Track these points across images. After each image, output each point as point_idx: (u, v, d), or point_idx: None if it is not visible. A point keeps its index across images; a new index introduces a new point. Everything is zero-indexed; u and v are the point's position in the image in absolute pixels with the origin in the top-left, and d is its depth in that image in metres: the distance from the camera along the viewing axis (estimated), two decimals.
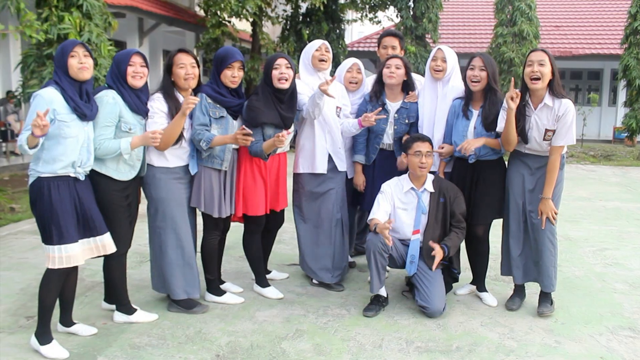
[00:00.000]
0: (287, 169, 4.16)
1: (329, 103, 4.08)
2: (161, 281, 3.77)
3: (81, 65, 3.07)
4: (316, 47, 4.13)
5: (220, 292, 3.99)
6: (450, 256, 3.83)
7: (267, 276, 4.24)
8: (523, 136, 3.70)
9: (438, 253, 3.70)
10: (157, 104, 3.53)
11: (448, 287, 3.99)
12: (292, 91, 3.91)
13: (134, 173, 3.47)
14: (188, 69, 3.59)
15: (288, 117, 3.90)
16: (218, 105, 3.70)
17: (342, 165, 4.21)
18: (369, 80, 4.59)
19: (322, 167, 4.14)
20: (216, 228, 3.90)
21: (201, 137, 3.59)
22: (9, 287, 4.23)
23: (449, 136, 4.03)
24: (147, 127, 3.47)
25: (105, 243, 3.28)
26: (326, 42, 4.18)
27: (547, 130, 3.62)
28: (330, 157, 4.16)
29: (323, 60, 4.13)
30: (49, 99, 2.98)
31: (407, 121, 4.21)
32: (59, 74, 3.08)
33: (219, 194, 3.76)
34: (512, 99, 3.55)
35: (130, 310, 3.63)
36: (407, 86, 4.23)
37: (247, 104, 3.84)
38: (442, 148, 4.01)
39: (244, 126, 3.61)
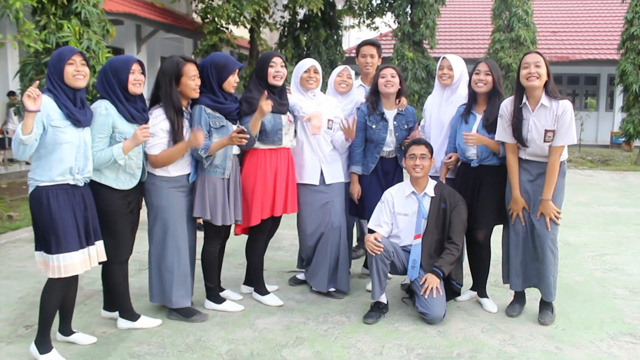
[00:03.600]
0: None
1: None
2: (160, 290, 3.74)
3: (77, 72, 3.07)
4: (305, 68, 4.13)
5: (220, 300, 3.97)
6: (446, 275, 3.83)
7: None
8: (521, 141, 3.71)
9: (430, 282, 3.71)
10: (161, 124, 3.52)
11: (449, 297, 3.98)
12: (282, 87, 4.02)
13: (134, 182, 3.46)
14: (197, 80, 3.60)
15: (283, 103, 3.98)
16: (217, 114, 3.70)
17: (330, 178, 4.18)
18: (357, 87, 4.63)
19: (312, 179, 4.15)
20: (217, 236, 3.90)
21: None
22: (8, 296, 4.21)
23: (453, 141, 4.06)
24: (148, 146, 3.47)
25: (100, 250, 3.28)
26: (316, 64, 4.18)
27: (546, 131, 3.62)
28: (321, 169, 4.16)
29: (310, 82, 4.13)
30: (43, 105, 2.94)
31: (406, 127, 4.29)
32: (53, 80, 3.06)
33: (223, 201, 3.75)
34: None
35: (134, 317, 3.62)
36: (401, 94, 4.28)
37: (244, 98, 3.89)
38: (450, 158, 4.04)
39: (240, 125, 3.63)
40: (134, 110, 3.38)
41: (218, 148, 3.63)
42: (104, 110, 3.27)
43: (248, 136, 3.58)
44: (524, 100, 3.68)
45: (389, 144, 4.28)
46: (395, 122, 4.25)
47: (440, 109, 4.23)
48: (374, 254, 3.74)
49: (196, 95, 3.63)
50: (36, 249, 3.13)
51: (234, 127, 3.76)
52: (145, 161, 3.54)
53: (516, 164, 3.77)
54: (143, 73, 3.43)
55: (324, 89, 4.49)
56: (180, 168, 3.63)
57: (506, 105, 3.75)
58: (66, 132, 3.03)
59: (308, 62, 4.17)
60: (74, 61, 3.08)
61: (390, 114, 4.26)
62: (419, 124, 4.38)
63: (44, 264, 3.12)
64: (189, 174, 3.68)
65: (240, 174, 3.94)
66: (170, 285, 3.69)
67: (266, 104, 3.65)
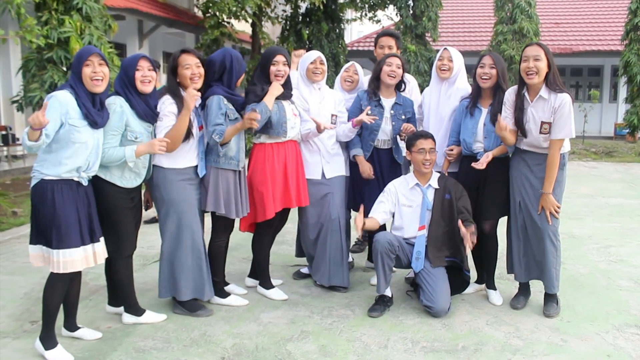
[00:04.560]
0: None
1: (324, 111, 4.12)
2: (171, 283, 3.73)
3: (94, 74, 3.07)
4: (311, 59, 4.14)
5: (225, 294, 3.97)
6: (462, 258, 3.83)
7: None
8: (521, 129, 3.71)
9: (470, 230, 3.60)
10: (168, 107, 3.53)
11: (460, 289, 3.99)
12: (286, 81, 3.99)
13: (139, 180, 3.47)
14: (193, 69, 3.59)
15: (287, 94, 3.99)
16: (231, 107, 3.71)
17: (331, 172, 4.18)
18: (366, 80, 4.61)
19: (313, 173, 4.15)
20: (226, 230, 3.91)
21: (214, 130, 3.58)
22: (13, 291, 4.22)
23: (455, 134, 4.04)
24: (157, 130, 3.48)
25: (102, 250, 3.27)
26: (321, 56, 4.18)
27: (542, 123, 3.62)
28: (322, 165, 4.16)
29: (317, 73, 4.14)
30: (64, 101, 2.98)
31: (403, 117, 4.24)
32: (74, 80, 3.09)
33: (236, 194, 3.77)
34: (500, 129, 3.66)
35: (139, 312, 3.62)
36: (399, 84, 4.29)
37: (249, 90, 3.88)
38: (452, 150, 4.03)
39: (253, 108, 3.62)
40: (147, 108, 3.37)
41: (233, 134, 3.62)
42: (118, 107, 3.28)
43: (260, 117, 3.57)
44: (524, 91, 3.70)
45: (385, 132, 4.24)
46: (392, 111, 4.22)
47: (439, 104, 4.21)
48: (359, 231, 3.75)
49: (193, 85, 3.59)
50: (32, 243, 3.11)
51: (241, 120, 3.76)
52: (151, 159, 3.53)
53: (513, 136, 3.75)
54: (154, 70, 3.41)
55: (331, 85, 4.49)
56: (188, 160, 3.62)
57: (510, 93, 3.78)
58: (82, 132, 3.04)
59: (314, 54, 4.16)
60: (91, 62, 3.08)
61: (387, 102, 4.24)
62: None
63: (40, 259, 3.10)
64: (196, 167, 3.67)
65: (248, 169, 3.95)
66: (184, 278, 3.67)
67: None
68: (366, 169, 4.24)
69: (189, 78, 3.58)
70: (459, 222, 3.69)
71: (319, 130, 3.94)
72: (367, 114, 4.05)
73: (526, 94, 3.69)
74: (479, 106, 3.96)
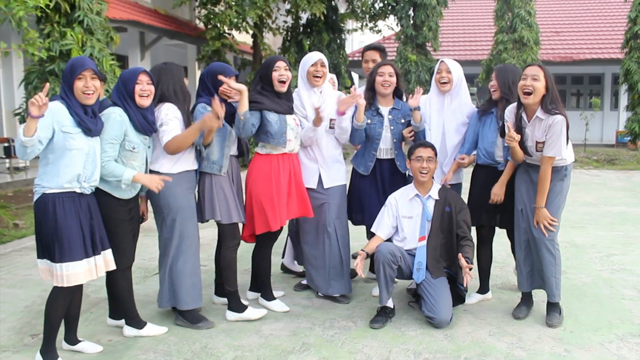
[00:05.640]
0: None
1: (325, 114, 4.07)
2: (171, 293, 3.72)
3: (86, 89, 3.08)
4: (312, 62, 4.09)
5: (243, 308, 3.90)
6: (456, 271, 3.82)
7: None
8: (523, 148, 3.73)
9: (466, 267, 3.59)
10: (173, 112, 3.56)
11: (456, 303, 3.95)
12: (288, 89, 3.99)
13: (134, 192, 3.47)
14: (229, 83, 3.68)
15: (289, 105, 3.99)
16: None
17: (329, 182, 4.14)
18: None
19: (309, 183, 4.12)
20: (234, 237, 3.88)
21: None
22: (14, 304, 4.21)
23: (469, 144, 4.09)
24: (161, 135, 3.50)
25: (108, 259, 3.27)
26: (323, 58, 4.12)
27: (537, 143, 3.64)
28: (319, 174, 4.14)
29: (317, 77, 4.10)
30: (56, 110, 3.00)
31: (402, 120, 4.21)
32: (65, 90, 3.10)
33: (234, 200, 3.81)
34: (511, 140, 3.63)
35: (140, 324, 3.61)
36: (397, 92, 4.27)
37: (250, 99, 3.83)
38: (464, 159, 4.06)
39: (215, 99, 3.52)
40: (144, 121, 3.39)
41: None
42: (118, 117, 3.29)
43: (221, 111, 3.47)
44: (521, 111, 3.73)
45: (385, 140, 4.20)
46: (390, 116, 4.20)
47: (441, 115, 4.18)
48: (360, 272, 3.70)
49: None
50: (39, 257, 3.12)
51: (232, 130, 3.79)
52: (147, 166, 3.54)
53: (522, 152, 3.77)
54: (152, 83, 3.43)
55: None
56: (190, 163, 3.66)
57: (509, 111, 3.79)
58: (76, 139, 3.05)
59: (315, 56, 4.11)
60: (83, 77, 3.09)
61: (385, 110, 4.22)
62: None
63: (47, 272, 3.11)
64: (195, 171, 3.72)
65: (247, 178, 3.95)
66: (185, 287, 3.67)
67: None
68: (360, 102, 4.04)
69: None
70: (459, 255, 3.68)
71: (317, 122, 3.87)
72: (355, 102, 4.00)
73: (523, 114, 3.71)
74: (494, 113, 4.01)
